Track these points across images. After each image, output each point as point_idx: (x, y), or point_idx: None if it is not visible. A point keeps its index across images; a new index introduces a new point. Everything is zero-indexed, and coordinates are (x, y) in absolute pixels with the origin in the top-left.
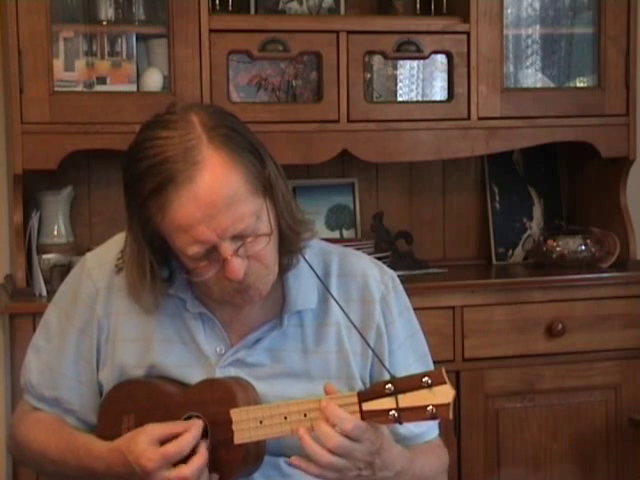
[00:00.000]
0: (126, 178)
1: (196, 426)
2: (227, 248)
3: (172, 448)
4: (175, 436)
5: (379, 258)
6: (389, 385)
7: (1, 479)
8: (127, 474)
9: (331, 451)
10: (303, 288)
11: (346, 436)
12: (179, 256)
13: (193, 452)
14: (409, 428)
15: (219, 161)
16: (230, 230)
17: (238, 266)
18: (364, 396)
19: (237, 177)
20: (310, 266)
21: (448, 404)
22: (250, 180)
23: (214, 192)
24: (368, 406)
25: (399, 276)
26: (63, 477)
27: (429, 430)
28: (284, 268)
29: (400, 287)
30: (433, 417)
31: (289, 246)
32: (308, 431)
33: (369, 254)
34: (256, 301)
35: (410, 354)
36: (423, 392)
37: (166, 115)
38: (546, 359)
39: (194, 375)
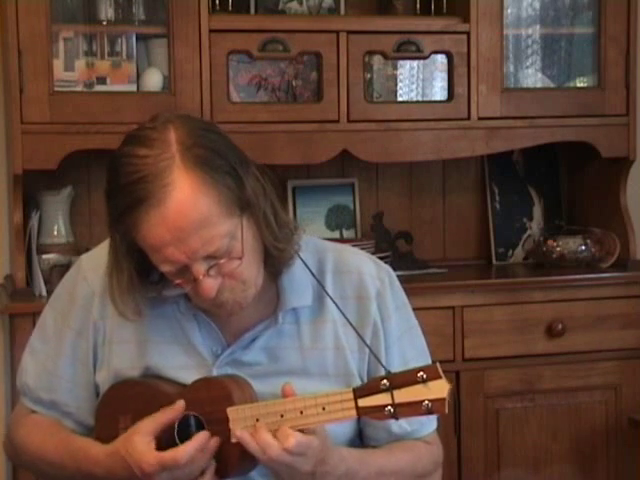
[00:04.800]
0: (106, 189)
1: (198, 439)
2: (198, 269)
3: (169, 456)
4: (167, 425)
5: (379, 258)
6: (384, 381)
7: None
8: (128, 476)
9: (271, 460)
10: (297, 285)
11: (289, 452)
12: None
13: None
14: (402, 426)
15: (189, 183)
16: (200, 252)
17: (209, 286)
18: (360, 392)
19: (207, 200)
20: (305, 264)
21: (444, 398)
22: (223, 202)
23: (182, 215)
24: (364, 402)
25: (399, 276)
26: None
27: (421, 427)
28: (274, 274)
29: (396, 282)
30: (429, 412)
31: (274, 259)
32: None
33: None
34: (236, 312)
35: (407, 349)
36: (418, 387)
37: (147, 130)
38: (546, 359)
39: (191, 376)
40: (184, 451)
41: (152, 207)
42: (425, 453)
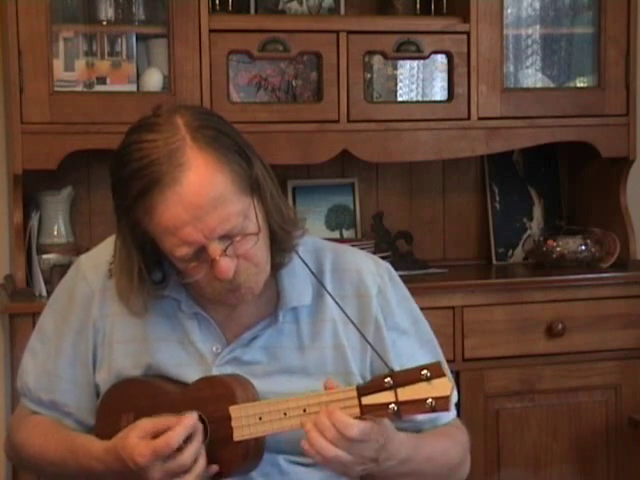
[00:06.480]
0: (113, 182)
1: (188, 418)
2: (215, 248)
3: (161, 442)
4: (167, 429)
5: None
6: (388, 379)
7: None
8: (125, 472)
9: (333, 443)
10: (297, 284)
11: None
12: (170, 258)
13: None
14: None
15: (204, 162)
16: (217, 230)
17: (227, 266)
18: (363, 390)
19: (223, 177)
20: (304, 262)
21: (447, 396)
22: (236, 180)
23: (199, 193)
24: (367, 400)
25: (399, 276)
26: (63, 479)
27: (444, 413)
28: (277, 266)
29: (397, 278)
30: (433, 410)
31: (281, 244)
32: (314, 426)
33: None
34: (248, 299)
35: (415, 342)
36: (422, 385)
37: (151, 118)
38: (546, 359)
39: (191, 374)
40: (175, 434)
41: (167, 187)
42: (459, 437)
